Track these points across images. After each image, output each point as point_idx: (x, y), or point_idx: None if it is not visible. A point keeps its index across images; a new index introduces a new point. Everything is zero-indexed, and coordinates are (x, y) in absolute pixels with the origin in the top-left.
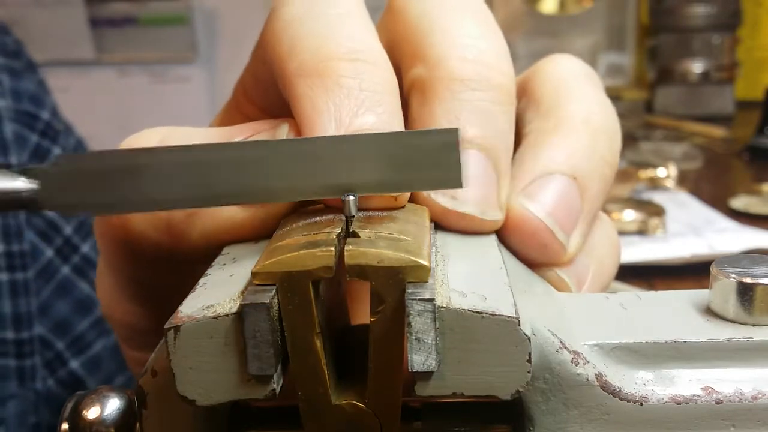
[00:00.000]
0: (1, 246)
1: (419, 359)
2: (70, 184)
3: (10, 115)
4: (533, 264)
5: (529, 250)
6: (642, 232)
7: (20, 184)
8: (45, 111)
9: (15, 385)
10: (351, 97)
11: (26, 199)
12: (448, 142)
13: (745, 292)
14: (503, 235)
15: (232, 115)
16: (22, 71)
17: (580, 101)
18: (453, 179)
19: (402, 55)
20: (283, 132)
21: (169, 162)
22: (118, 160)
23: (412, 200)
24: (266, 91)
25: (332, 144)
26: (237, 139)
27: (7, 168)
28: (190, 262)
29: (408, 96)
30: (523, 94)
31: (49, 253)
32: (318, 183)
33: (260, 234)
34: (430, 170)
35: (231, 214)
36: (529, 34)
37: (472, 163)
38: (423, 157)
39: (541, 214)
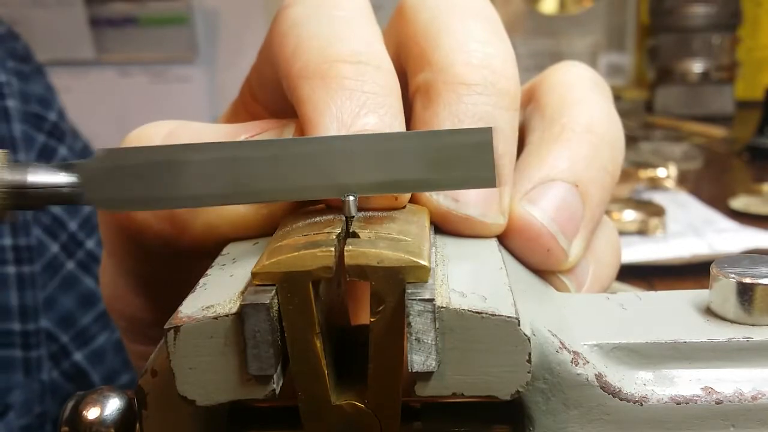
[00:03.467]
0: (9, 240)
1: (419, 359)
2: (111, 180)
3: (19, 115)
4: (535, 270)
5: (531, 255)
6: (642, 232)
7: (62, 178)
8: (52, 112)
9: (21, 376)
10: (353, 99)
11: (67, 193)
12: (482, 141)
13: (745, 292)
14: (505, 239)
15: (238, 113)
16: (31, 74)
17: (585, 110)
18: (486, 178)
19: (409, 59)
20: (290, 131)
21: (208, 158)
22: (157, 155)
23: (412, 201)
24: (272, 91)
25: (366, 142)
26: (243, 137)
27: (49, 164)
28: (192, 256)
29: (413, 99)
30: (530, 101)
31: (54, 248)
32: (332, 183)
33: (263, 230)
34: (463, 169)
35: (234, 208)
36: (529, 34)
37: None
38: (457, 156)
39: (544, 219)
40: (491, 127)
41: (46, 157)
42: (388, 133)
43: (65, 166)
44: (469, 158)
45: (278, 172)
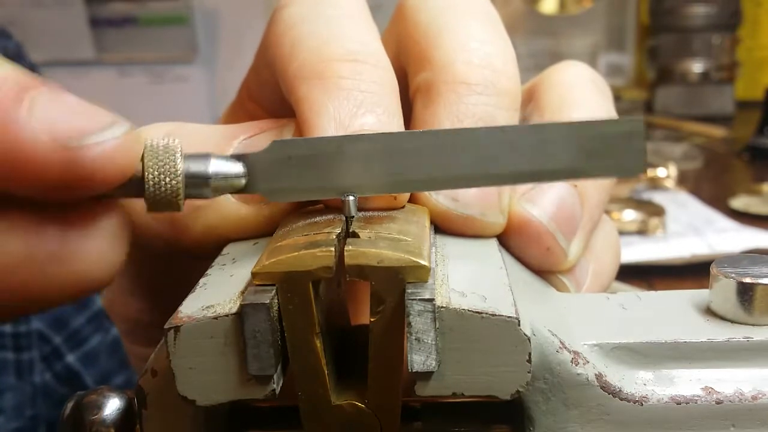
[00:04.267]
0: None
1: (419, 359)
2: (280, 169)
3: None
4: (534, 270)
5: (530, 254)
6: (642, 232)
7: (236, 168)
8: None
9: (12, 378)
10: (350, 98)
11: (239, 183)
12: (635, 131)
13: (745, 292)
14: (505, 239)
15: (237, 114)
16: None
17: (583, 111)
18: (635, 167)
19: (410, 58)
20: (289, 131)
21: (369, 148)
22: (324, 146)
23: (412, 201)
24: (270, 92)
25: (522, 133)
26: (241, 137)
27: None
28: (192, 257)
29: (413, 98)
30: (530, 100)
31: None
32: (535, 168)
33: (262, 231)
34: (613, 158)
35: (234, 209)
36: (529, 34)
37: None
38: (608, 146)
39: (543, 218)
40: (642, 118)
41: None
42: (546, 124)
43: (237, 157)
44: (619, 148)
45: (441, 161)
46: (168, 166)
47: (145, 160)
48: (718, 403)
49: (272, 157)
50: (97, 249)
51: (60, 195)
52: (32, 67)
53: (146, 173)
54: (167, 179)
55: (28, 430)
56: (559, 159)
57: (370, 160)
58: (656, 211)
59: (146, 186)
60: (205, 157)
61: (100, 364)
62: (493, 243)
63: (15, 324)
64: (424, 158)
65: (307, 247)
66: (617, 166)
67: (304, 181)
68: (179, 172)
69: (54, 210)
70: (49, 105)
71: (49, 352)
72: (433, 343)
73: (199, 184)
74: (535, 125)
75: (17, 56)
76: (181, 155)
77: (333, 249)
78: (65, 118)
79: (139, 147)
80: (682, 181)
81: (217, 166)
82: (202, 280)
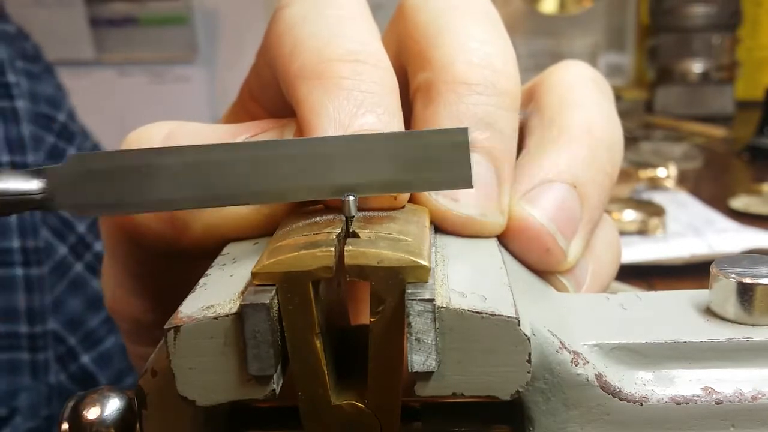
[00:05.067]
0: (17, 242)
1: (419, 359)
2: (82, 184)
3: (28, 116)
4: (534, 270)
5: (530, 255)
6: (642, 232)
7: (32, 185)
8: (62, 113)
9: (28, 378)
10: (350, 99)
11: (38, 199)
12: (459, 142)
13: (745, 292)
14: (505, 240)
15: (238, 115)
16: (40, 74)
17: (583, 112)
18: (462, 179)
19: (410, 58)
20: (290, 131)
21: (177, 162)
22: (128, 160)
23: (412, 201)
24: (270, 92)
25: (339, 144)
26: (243, 137)
27: (18, 169)
28: (192, 257)
29: (413, 98)
30: (530, 100)
31: (62, 250)
32: (323, 183)
33: (263, 231)
34: (439, 170)
35: (234, 209)
36: (529, 34)
37: (474, 166)
38: (432, 157)
39: (543, 219)
40: (467, 128)
41: (55, 158)
42: (365, 135)
43: (36, 172)
44: (446, 159)
45: (281, 172)
46: None
47: None
48: (717, 403)
49: (73, 171)
50: None
51: None
52: (49, 69)
53: None
54: None
55: (43, 431)
56: (382, 170)
57: (180, 175)
58: (656, 211)
59: None
60: None
61: (114, 364)
62: (493, 243)
63: (31, 325)
64: (237, 172)
65: (307, 247)
66: (442, 178)
67: (110, 195)
68: None
69: None
70: None
71: (65, 353)
72: (433, 343)
73: None
74: (355, 136)
75: (36, 57)
76: None
77: (333, 249)
78: None
79: None
80: (682, 181)
81: (7, 183)
82: (202, 280)
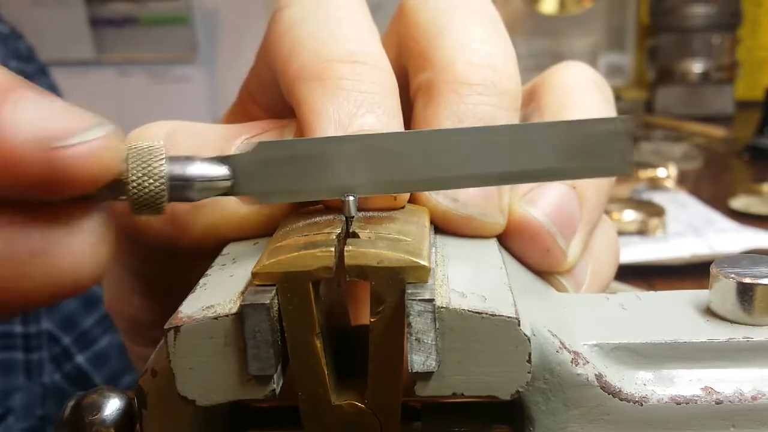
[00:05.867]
0: None
1: (419, 359)
2: (264, 172)
3: None
4: (534, 271)
5: (530, 255)
6: (642, 232)
7: (218, 171)
8: None
9: (22, 378)
10: (350, 99)
11: (223, 186)
12: (621, 130)
13: (745, 292)
14: (505, 240)
15: (238, 115)
16: (34, 75)
17: (582, 112)
18: (623, 167)
19: (410, 58)
20: (290, 132)
21: (355, 149)
22: (308, 148)
23: (412, 201)
24: (270, 93)
25: (521, 131)
26: (243, 137)
27: (207, 157)
28: (192, 256)
29: (414, 98)
30: (531, 101)
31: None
32: (521, 168)
33: (263, 231)
34: (600, 158)
35: (235, 208)
36: (529, 34)
37: None
38: (594, 145)
39: (543, 219)
40: (628, 117)
41: None
42: (524, 124)
43: (221, 159)
44: (606, 148)
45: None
46: (151, 168)
47: (129, 162)
48: (717, 403)
49: (257, 158)
50: (79, 248)
51: (43, 195)
52: (43, 70)
53: (129, 175)
54: (150, 181)
55: (38, 431)
56: (544, 159)
57: (356, 161)
58: (656, 211)
59: (129, 188)
60: (189, 159)
61: (110, 364)
62: (493, 243)
63: (25, 324)
64: (411, 159)
65: (307, 247)
66: (604, 165)
67: (291, 183)
68: (162, 174)
69: (37, 209)
70: (32, 106)
71: (59, 353)
72: (433, 343)
73: (183, 187)
74: (520, 125)
75: (29, 57)
76: (164, 157)
77: (333, 249)
78: (48, 118)
79: (122, 148)
80: (682, 181)
81: (200, 169)
82: (202, 280)
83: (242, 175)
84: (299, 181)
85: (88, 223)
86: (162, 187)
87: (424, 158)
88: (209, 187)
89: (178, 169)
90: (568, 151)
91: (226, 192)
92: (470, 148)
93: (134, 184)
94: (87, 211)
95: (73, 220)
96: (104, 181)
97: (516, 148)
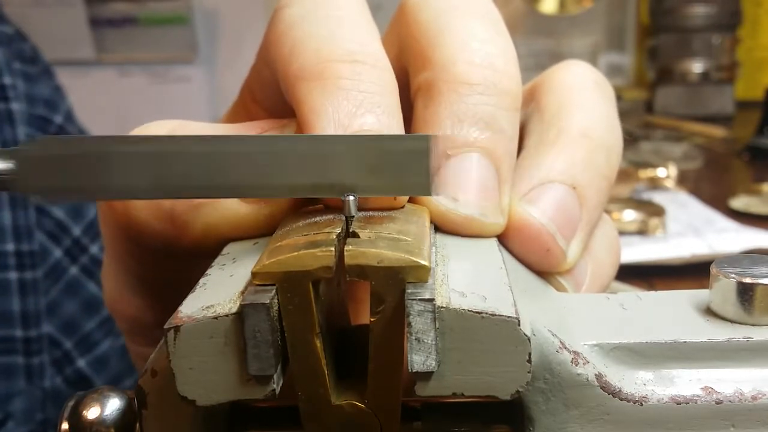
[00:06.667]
0: (12, 245)
1: (419, 359)
2: (48, 168)
3: (24, 118)
4: (534, 271)
5: (530, 255)
6: (642, 232)
7: (4, 165)
8: (59, 115)
9: (23, 382)
10: (349, 99)
11: (4, 180)
12: (419, 149)
13: (745, 292)
14: (505, 240)
15: (239, 115)
16: (38, 76)
17: (582, 114)
18: (420, 186)
19: (411, 58)
20: (290, 131)
21: (143, 151)
22: (95, 146)
23: (412, 201)
24: (271, 92)
25: (319, 143)
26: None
27: None
28: (192, 256)
29: (414, 98)
30: (531, 100)
31: (57, 253)
32: (314, 181)
33: (263, 230)
34: (398, 176)
35: (235, 208)
36: (529, 34)
37: (474, 166)
38: (396, 162)
39: (543, 219)
40: (431, 136)
41: None
42: (325, 136)
43: (8, 152)
44: (407, 165)
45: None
46: None
47: None
48: (717, 403)
49: (41, 154)
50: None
51: None
52: (47, 71)
53: None
54: None
55: None
56: (341, 172)
57: (136, 164)
58: (656, 211)
59: None
60: None
61: (111, 368)
62: (493, 243)
63: (26, 328)
64: (196, 165)
65: (307, 247)
66: (402, 184)
67: (74, 181)
68: None
69: None
70: None
71: (60, 357)
72: (433, 343)
73: None
74: (317, 136)
75: (34, 58)
76: None
77: (333, 249)
78: None
79: None
80: (682, 181)
81: None
82: (202, 280)
83: (25, 170)
84: (85, 179)
85: None
86: None
87: (207, 165)
88: None
89: None
90: (367, 167)
91: (7, 186)
92: (260, 157)
93: None
94: None
95: None
96: None
97: (314, 159)
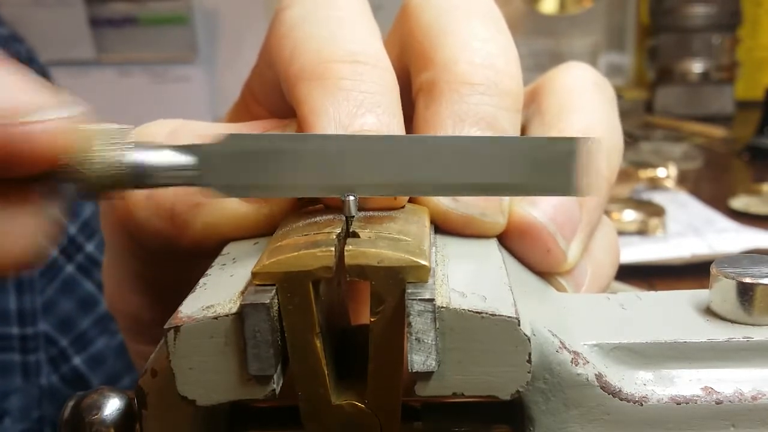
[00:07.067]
0: None
1: (419, 359)
2: (230, 165)
3: None
4: (534, 271)
5: (531, 255)
6: (642, 232)
7: (183, 160)
8: None
9: (19, 380)
10: (350, 99)
11: (187, 175)
12: (571, 152)
13: (745, 292)
14: (505, 240)
15: (240, 115)
16: None
17: (582, 116)
18: (568, 187)
19: (412, 58)
20: (291, 131)
21: (322, 150)
22: (279, 143)
23: (412, 201)
24: (272, 92)
25: (485, 144)
26: None
27: (174, 145)
28: (192, 256)
29: (416, 98)
30: (532, 102)
31: (53, 252)
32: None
33: (263, 230)
34: (552, 176)
35: (235, 207)
36: (529, 34)
37: None
38: (550, 163)
39: (544, 219)
40: (590, 138)
41: None
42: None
43: (190, 148)
44: (558, 167)
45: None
46: (111, 153)
47: (89, 145)
48: (717, 403)
49: (227, 150)
50: (21, 231)
51: None
52: (43, 72)
53: (88, 157)
54: (107, 165)
55: None
56: (508, 173)
57: (325, 161)
58: (656, 211)
59: (86, 170)
60: (153, 146)
61: (107, 366)
62: (493, 243)
63: (22, 326)
64: (381, 163)
65: (308, 247)
66: (553, 184)
67: (258, 178)
68: (122, 159)
69: None
70: None
71: (56, 354)
72: (433, 343)
73: (142, 174)
74: (490, 137)
75: (29, 60)
76: (127, 142)
77: (333, 249)
78: (10, 92)
79: (83, 130)
80: (682, 181)
81: (163, 156)
82: (202, 280)
83: (210, 166)
84: (266, 176)
85: (33, 208)
86: (120, 172)
87: (390, 163)
88: (171, 176)
89: (140, 156)
90: (529, 167)
91: (190, 182)
92: (437, 157)
93: (92, 167)
94: (36, 195)
95: (19, 202)
96: (60, 162)
97: (486, 159)
